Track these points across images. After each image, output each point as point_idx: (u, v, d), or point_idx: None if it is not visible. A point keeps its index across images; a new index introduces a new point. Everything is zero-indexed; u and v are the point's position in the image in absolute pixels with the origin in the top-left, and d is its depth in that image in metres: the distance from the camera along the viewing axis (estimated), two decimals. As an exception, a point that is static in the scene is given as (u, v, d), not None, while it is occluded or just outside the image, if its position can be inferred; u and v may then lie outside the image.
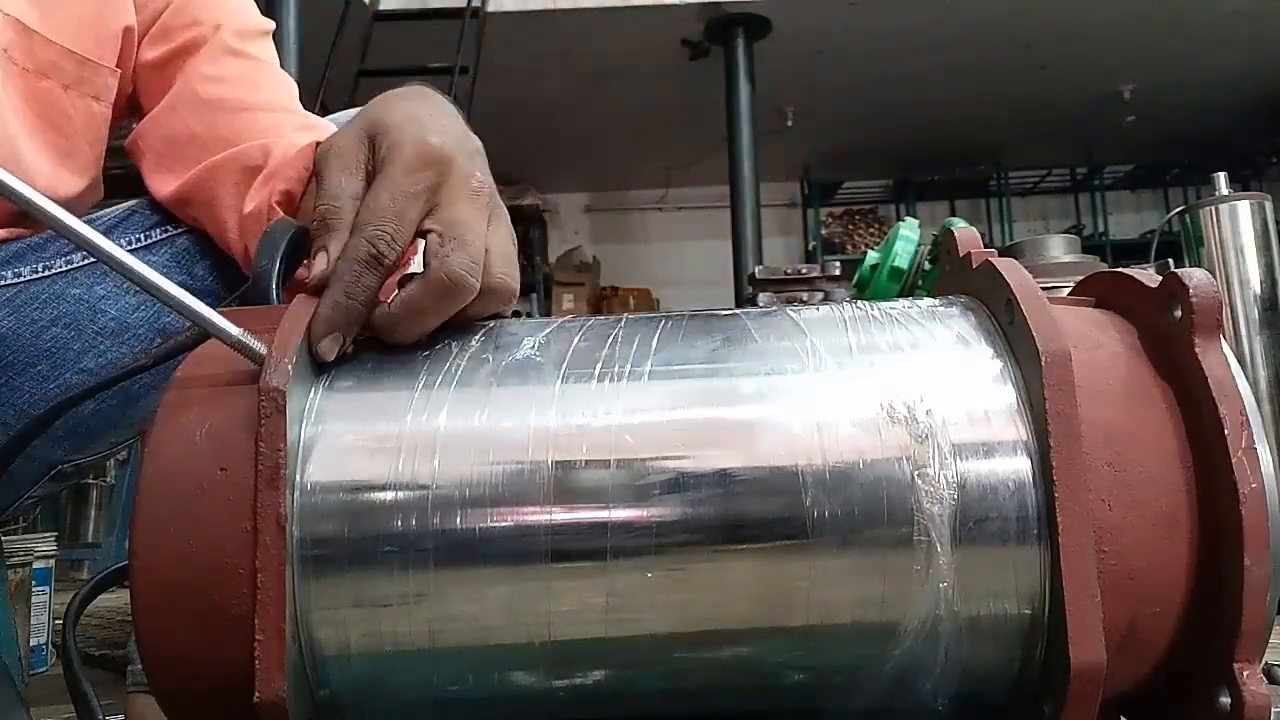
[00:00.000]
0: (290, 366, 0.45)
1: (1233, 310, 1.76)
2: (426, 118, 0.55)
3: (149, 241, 0.83)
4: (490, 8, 4.65)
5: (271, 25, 0.93)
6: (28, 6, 0.79)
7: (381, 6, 4.57)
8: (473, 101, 4.19)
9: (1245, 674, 0.43)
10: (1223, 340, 0.46)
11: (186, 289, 0.83)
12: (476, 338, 0.51)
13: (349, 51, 4.15)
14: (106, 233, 0.82)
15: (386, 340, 0.50)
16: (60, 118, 0.82)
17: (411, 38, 4.35)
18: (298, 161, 0.76)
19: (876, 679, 0.45)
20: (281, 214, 0.75)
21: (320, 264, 0.50)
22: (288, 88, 0.90)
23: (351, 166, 0.53)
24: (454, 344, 0.51)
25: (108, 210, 0.86)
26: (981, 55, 5.54)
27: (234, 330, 0.48)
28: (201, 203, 0.81)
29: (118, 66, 0.85)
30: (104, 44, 0.83)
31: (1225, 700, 0.44)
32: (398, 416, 0.46)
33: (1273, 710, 0.43)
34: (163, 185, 0.83)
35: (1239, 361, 0.47)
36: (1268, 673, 0.69)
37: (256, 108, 0.84)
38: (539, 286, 6.68)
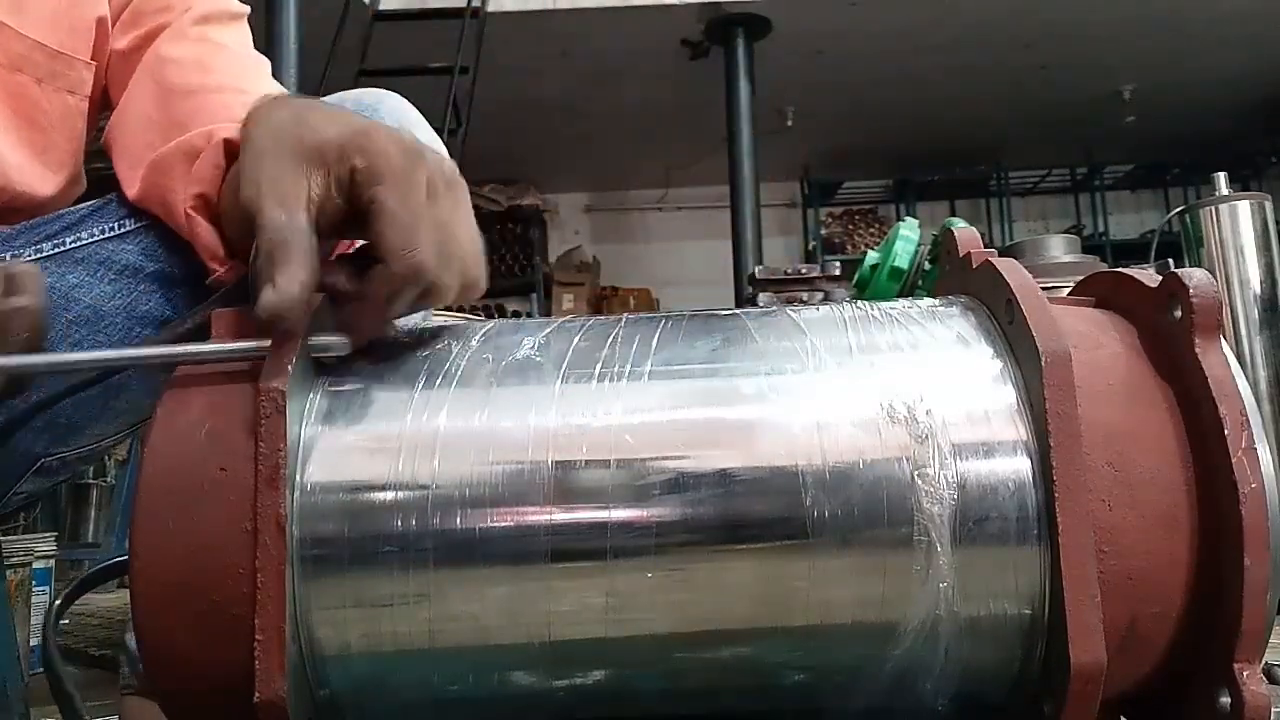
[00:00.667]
0: (290, 366, 0.45)
1: (1233, 310, 1.76)
2: (358, 120, 0.54)
3: (122, 231, 0.80)
4: (490, 8, 4.65)
5: (245, 10, 0.89)
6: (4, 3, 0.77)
7: (381, 6, 4.57)
8: (473, 101, 4.20)
9: (1245, 674, 0.43)
10: (1223, 340, 0.46)
11: (161, 278, 0.81)
12: (477, 338, 0.51)
13: (349, 51, 4.14)
14: (80, 222, 0.79)
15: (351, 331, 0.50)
16: (35, 112, 0.80)
17: (411, 38, 4.35)
18: (210, 159, 0.70)
19: (876, 679, 0.45)
20: (201, 220, 0.69)
21: (269, 298, 0.48)
22: (249, 69, 0.85)
23: (290, 199, 0.51)
24: (454, 344, 0.51)
25: (86, 203, 0.84)
26: (981, 55, 5.54)
27: (231, 346, 0.48)
28: (157, 200, 0.76)
29: (93, 59, 0.83)
30: (78, 35, 0.82)
31: (1225, 700, 0.44)
32: (398, 416, 0.46)
33: (1273, 710, 0.43)
34: (130, 186, 0.79)
35: (1239, 361, 0.47)
36: (1268, 673, 0.69)
37: (206, 90, 0.79)
38: (539, 286, 6.68)
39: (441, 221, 0.52)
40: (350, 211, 0.53)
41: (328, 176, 0.52)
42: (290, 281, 0.48)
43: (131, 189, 0.79)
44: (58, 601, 0.54)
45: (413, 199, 0.51)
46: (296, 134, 0.53)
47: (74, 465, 0.86)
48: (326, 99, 0.84)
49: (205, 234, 0.69)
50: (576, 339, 0.50)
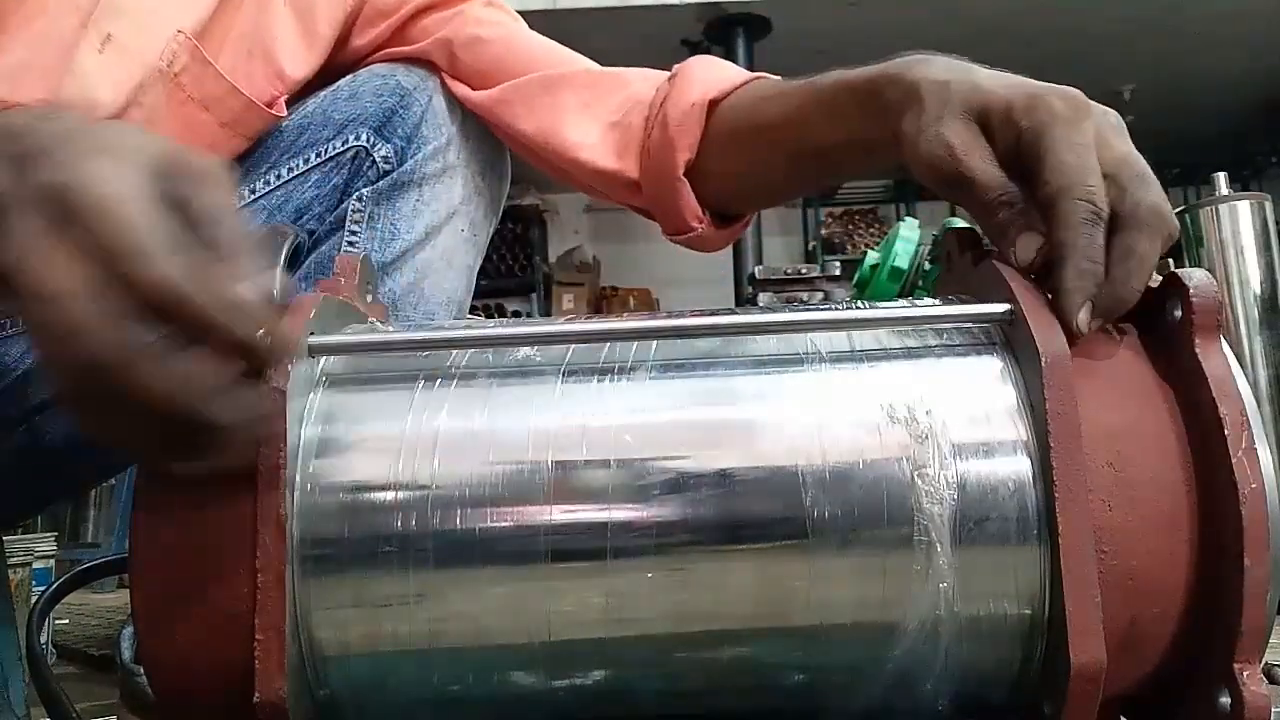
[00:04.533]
0: (290, 366, 0.45)
1: (1233, 310, 1.75)
2: (1028, 83, 0.55)
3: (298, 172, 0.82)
4: (490, 8, 4.65)
5: None
6: (205, 34, 0.76)
7: (381, 6, 4.56)
8: (473, 101, 4.19)
9: (1245, 674, 0.43)
10: (1223, 340, 0.46)
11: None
12: (476, 338, 0.51)
13: (349, 51, 4.14)
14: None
15: (1117, 299, 0.48)
16: (210, 151, 0.80)
17: (411, 38, 4.35)
18: (693, 123, 0.75)
19: (876, 679, 0.45)
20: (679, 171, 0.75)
21: (1031, 246, 0.50)
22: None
23: (984, 151, 0.53)
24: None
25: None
26: (981, 55, 5.51)
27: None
28: (655, 164, 0.79)
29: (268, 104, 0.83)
30: (271, 83, 0.81)
31: (1225, 700, 0.44)
32: (398, 416, 0.46)
33: (1273, 710, 0.43)
34: (597, 141, 0.83)
35: (1239, 361, 0.46)
36: (1268, 673, 0.69)
37: (559, 50, 0.91)
38: (539, 286, 6.68)
39: (1120, 158, 0.51)
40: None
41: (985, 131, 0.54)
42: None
43: (605, 146, 0.82)
44: (40, 602, 0.54)
45: (1076, 142, 0.50)
46: (965, 90, 0.55)
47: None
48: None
49: (689, 195, 0.77)
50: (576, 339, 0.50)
